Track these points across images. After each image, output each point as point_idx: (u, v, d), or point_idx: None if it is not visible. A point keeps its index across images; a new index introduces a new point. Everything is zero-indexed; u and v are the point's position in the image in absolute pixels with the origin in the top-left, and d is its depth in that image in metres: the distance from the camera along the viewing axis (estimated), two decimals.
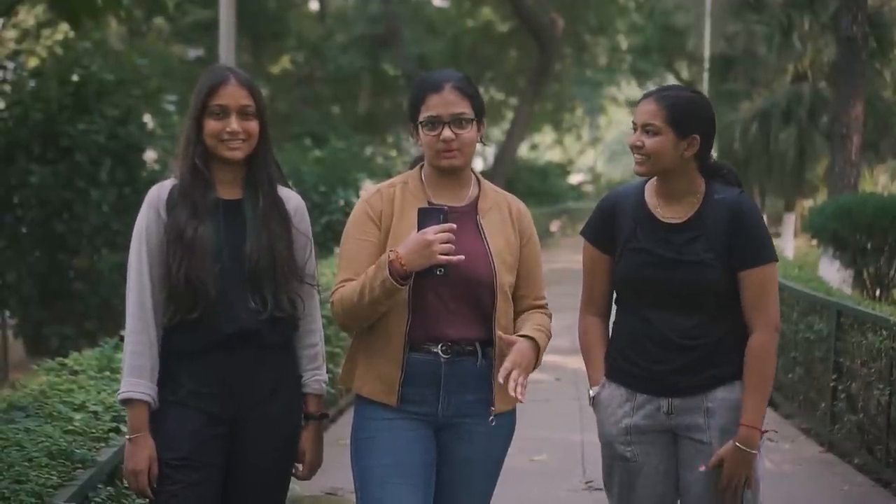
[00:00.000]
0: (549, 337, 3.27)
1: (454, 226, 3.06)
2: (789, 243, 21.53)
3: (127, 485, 3.23)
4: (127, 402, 3.12)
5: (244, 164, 3.23)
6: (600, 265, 3.44)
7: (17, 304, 11.88)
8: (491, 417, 3.20)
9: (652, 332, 3.30)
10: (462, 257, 3.06)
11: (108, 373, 4.62)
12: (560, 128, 42.57)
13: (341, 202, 15.00)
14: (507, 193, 3.41)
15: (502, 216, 3.30)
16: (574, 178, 48.44)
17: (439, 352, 3.16)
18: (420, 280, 3.10)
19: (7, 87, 12.42)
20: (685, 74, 35.26)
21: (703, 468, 3.28)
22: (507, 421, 3.29)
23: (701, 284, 3.26)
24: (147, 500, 3.17)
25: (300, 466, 3.33)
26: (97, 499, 3.46)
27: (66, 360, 4.84)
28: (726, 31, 23.83)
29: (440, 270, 3.07)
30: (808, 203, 22.36)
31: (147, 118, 12.34)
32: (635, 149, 3.31)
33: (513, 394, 3.03)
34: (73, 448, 3.53)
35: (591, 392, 3.46)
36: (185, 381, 3.13)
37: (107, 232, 11.58)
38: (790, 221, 22.26)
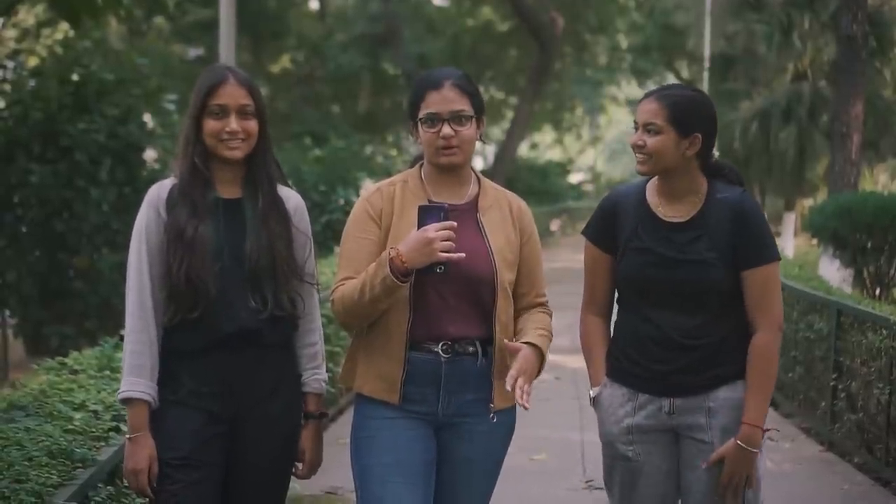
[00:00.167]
0: (550, 338, 3.27)
1: (455, 223, 3.05)
2: (789, 242, 21.53)
3: (127, 484, 3.22)
4: (127, 401, 3.11)
5: (244, 164, 3.22)
6: (602, 265, 3.44)
7: (17, 303, 11.85)
8: (492, 414, 3.19)
9: (654, 331, 3.30)
10: (463, 255, 3.05)
11: (108, 372, 4.61)
12: (560, 127, 42.59)
13: (341, 201, 15.01)
14: (508, 191, 3.40)
15: (503, 214, 3.29)
16: (574, 178, 48.49)
17: (440, 351, 3.16)
18: (421, 278, 3.09)
19: (7, 87, 12.38)
20: (685, 74, 35.25)
21: (703, 465, 3.28)
22: (507, 420, 3.29)
23: (704, 284, 3.25)
24: (147, 499, 3.16)
25: (300, 465, 3.33)
26: (97, 498, 3.45)
27: (66, 360, 4.84)
28: (726, 31, 23.83)
29: (441, 268, 3.06)
30: (808, 202, 22.38)
31: (147, 117, 12.32)
32: (637, 148, 3.30)
33: (520, 402, 3.03)
34: (74, 447, 3.52)
35: (591, 392, 3.45)
36: (186, 381, 3.13)
37: (107, 231, 11.56)
38: (790, 220, 22.26)
